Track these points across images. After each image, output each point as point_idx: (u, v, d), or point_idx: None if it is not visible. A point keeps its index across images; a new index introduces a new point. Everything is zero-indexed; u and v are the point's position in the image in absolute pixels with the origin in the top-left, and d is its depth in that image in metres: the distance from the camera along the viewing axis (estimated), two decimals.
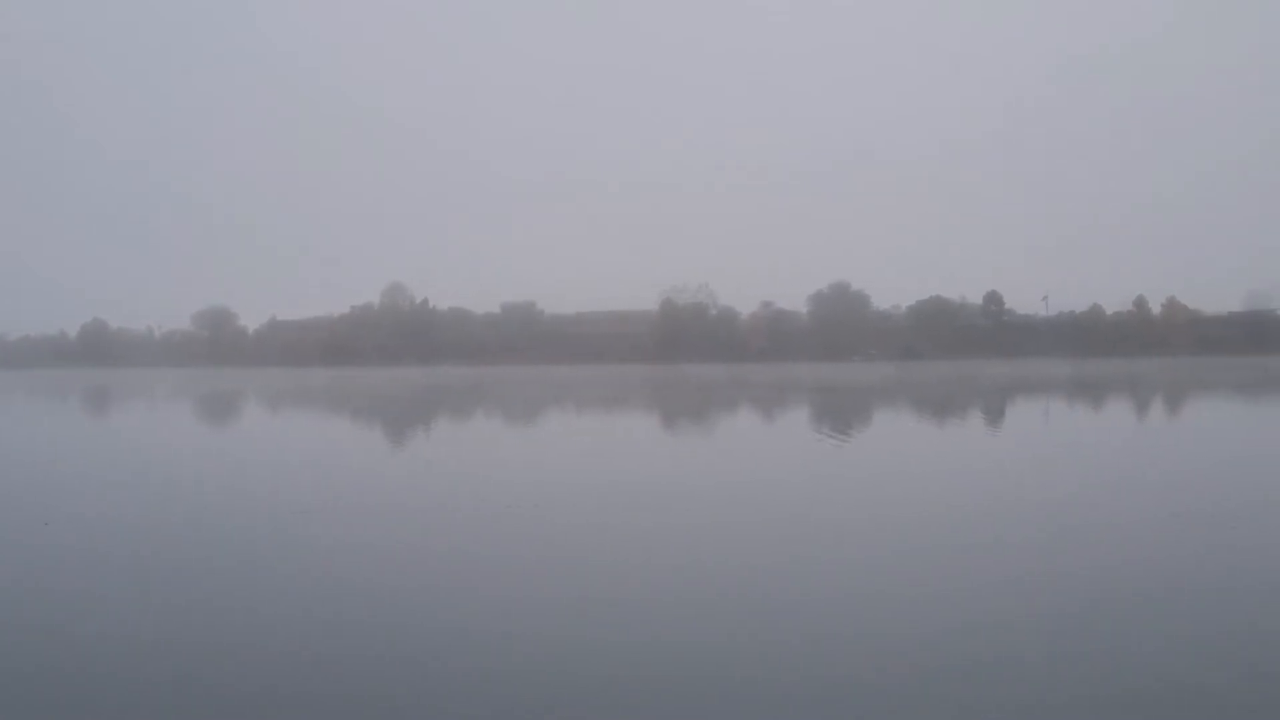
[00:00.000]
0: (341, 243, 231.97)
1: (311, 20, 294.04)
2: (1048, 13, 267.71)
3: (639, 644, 8.17)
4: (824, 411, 42.32)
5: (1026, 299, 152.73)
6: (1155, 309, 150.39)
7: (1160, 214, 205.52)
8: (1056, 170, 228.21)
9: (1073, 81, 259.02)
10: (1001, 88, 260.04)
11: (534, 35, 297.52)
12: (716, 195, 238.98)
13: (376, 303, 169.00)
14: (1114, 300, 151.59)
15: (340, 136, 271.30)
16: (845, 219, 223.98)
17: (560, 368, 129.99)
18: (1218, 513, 14.67)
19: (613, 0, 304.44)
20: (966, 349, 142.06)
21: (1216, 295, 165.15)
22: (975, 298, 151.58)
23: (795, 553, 11.75)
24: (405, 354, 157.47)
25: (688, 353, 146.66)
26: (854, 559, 11.53)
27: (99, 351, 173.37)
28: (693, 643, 8.17)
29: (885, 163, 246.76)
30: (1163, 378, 74.74)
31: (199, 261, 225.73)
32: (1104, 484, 18.16)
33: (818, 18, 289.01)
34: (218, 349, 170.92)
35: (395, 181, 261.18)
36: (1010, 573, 10.69)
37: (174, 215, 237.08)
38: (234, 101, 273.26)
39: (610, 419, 40.77)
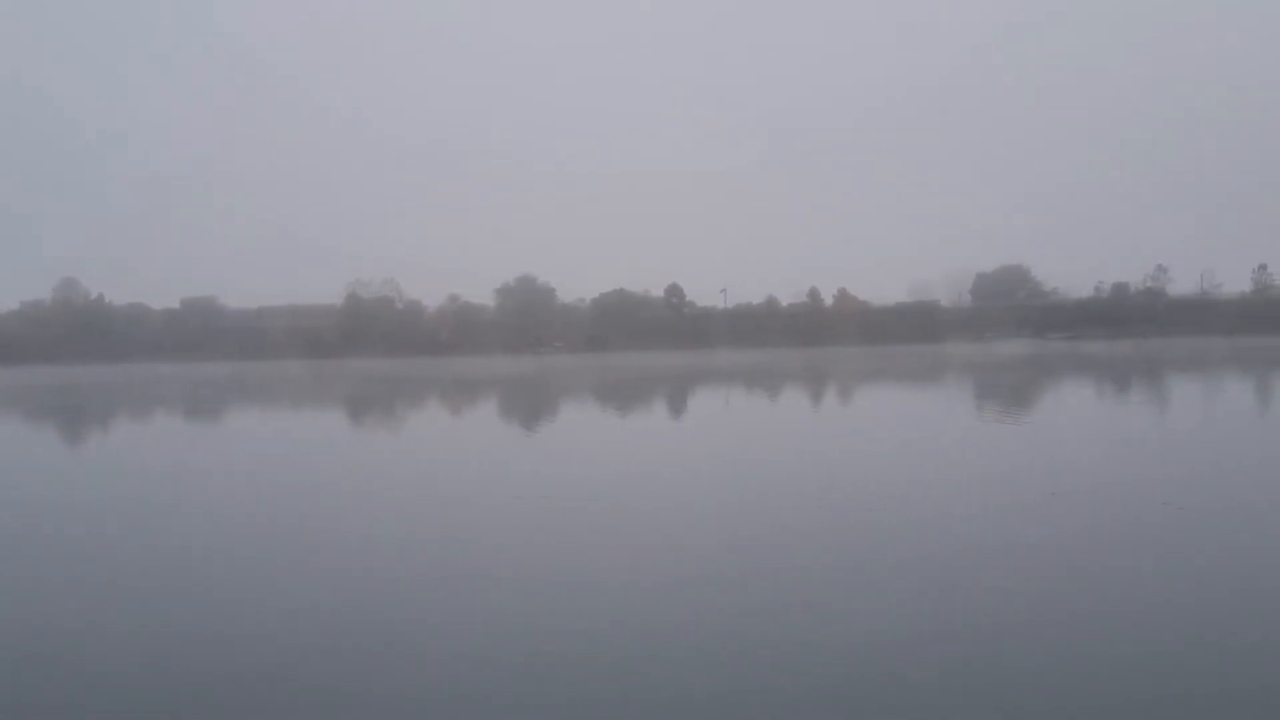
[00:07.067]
0: (11, 232, 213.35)
1: None
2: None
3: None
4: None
5: (707, 291, 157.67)
6: (828, 300, 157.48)
7: (831, 212, 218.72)
8: (732, 171, 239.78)
9: (750, 94, 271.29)
10: (680, 100, 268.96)
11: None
12: (404, 188, 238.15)
13: (48, 299, 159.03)
14: (789, 292, 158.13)
15: None
16: (533, 213, 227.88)
17: (240, 364, 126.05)
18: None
19: None
20: (650, 339, 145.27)
21: (885, 287, 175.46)
22: (659, 290, 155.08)
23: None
24: (80, 353, 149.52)
25: (374, 347, 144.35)
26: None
27: None
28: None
29: (568, 161, 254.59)
30: (791, 366, 79.56)
31: None
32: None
33: (506, 20, 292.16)
34: None
35: (64, 167, 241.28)
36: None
37: None
38: None
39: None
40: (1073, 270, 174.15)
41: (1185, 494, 15.09)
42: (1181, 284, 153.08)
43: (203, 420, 40.01)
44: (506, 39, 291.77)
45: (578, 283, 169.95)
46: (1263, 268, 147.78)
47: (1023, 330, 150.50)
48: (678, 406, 40.02)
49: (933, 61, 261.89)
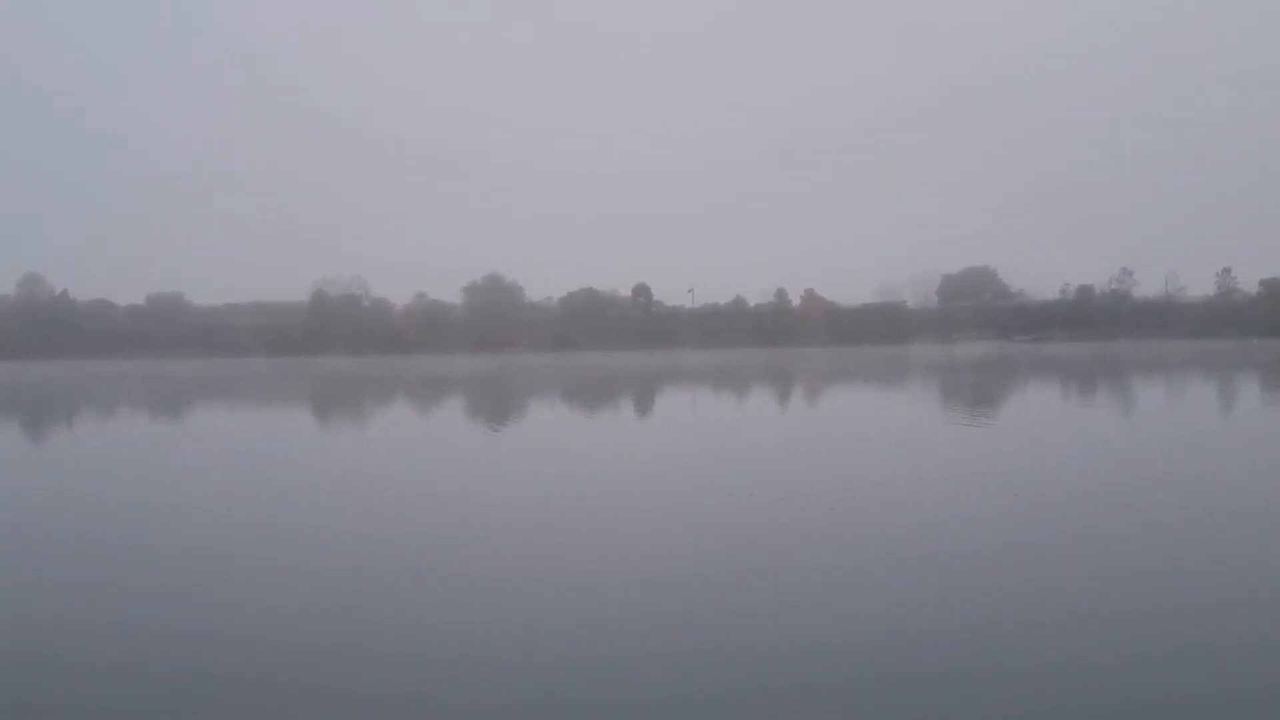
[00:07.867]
0: None
1: None
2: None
3: None
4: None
5: (674, 291, 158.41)
6: (795, 301, 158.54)
7: (799, 213, 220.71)
8: (701, 172, 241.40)
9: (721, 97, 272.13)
10: (650, 102, 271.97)
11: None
12: (373, 186, 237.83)
13: (11, 295, 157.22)
14: (757, 293, 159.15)
15: None
16: (502, 212, 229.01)
17: (206, 361, 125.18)
18: None
19: None
20: (618, 339, 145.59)
21: (852, 288, 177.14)
22: (626, 290, 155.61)
23: None
24: (43, 350, 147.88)
25: (340, 345, 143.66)
26: None
27: None
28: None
29: (536, 160, 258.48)
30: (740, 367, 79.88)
31: None
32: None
33: (485, 21, 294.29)
34: None
35: (30, 163, 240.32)
36: None
37: None
38: None
39: None
40: (1039, 272, 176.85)
41: (1145, 496, 15.54)
42: (1146, 287, 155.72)
43: (170, 419, 39.78)
44: (485, 40, 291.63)
45: (546, 282, 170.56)
46: (1227, 271, 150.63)
47: (988, 332, 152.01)
48: (646, 407, 40.30)
49: (901, 70, 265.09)
